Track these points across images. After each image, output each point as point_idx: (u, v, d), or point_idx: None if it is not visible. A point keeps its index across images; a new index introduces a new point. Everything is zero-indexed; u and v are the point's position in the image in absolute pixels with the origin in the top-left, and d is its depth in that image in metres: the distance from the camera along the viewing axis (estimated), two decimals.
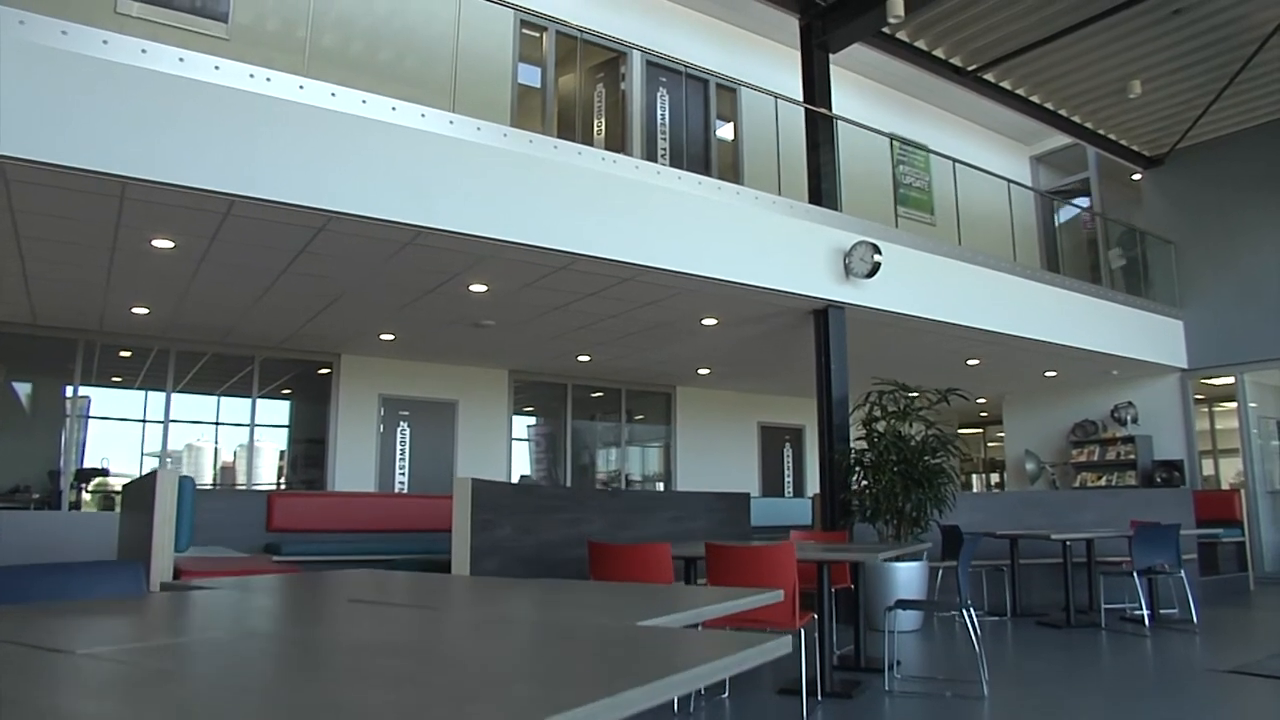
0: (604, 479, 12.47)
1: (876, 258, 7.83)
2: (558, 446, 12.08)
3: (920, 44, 9.50)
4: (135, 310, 8.14)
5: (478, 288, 7.35)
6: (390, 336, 9.29)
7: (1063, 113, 11.15)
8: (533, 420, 12.16)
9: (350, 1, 8.20)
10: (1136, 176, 12.79)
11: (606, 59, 9.92)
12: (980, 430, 17.98)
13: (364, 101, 5.65)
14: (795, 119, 8.70)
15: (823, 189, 8.21)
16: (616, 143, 9.87)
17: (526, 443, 12.06)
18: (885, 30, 8.72)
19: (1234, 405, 11.67)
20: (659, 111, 10.14)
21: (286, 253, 6.39)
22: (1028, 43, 9.38)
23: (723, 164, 10.81)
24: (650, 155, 9.96)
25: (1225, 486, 11.87)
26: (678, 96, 10.25)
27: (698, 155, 10.47)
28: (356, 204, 5.54)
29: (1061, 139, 12.80)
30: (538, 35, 9.46)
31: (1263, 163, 11.40)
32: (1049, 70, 10.07)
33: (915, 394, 7.74)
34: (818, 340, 8.10)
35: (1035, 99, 10.82)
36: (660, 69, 10.08)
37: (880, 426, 7.64)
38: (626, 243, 6.52)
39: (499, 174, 6.03)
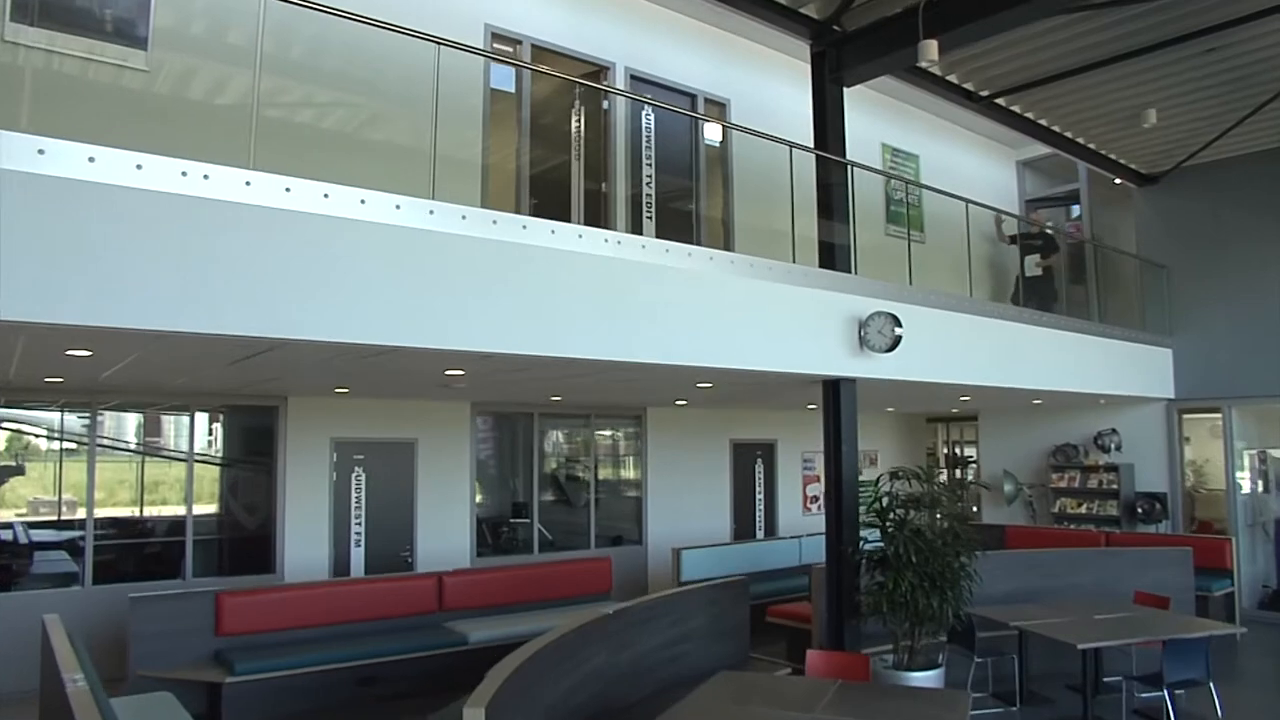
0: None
1: (897, 331, 7.11)
2: (518, 469, 11.26)
3: (935, 71, 8.66)
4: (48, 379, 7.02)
5: (453, 372, 6.43)
6: (345, 390, 8.30)
7: (1068, 135, 10.48)
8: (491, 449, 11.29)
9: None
10: (1117, 182, 12.24)
11: (586, 71, 8.85)
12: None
13: (326, 196, 4.62)
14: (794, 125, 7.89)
15: (835, 245, 7.39)
16: (596, 162, 8.88)
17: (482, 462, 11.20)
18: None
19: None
20: (644, 127, 9.14)
21: (227, 359, 5.38)
22: (1050, 74, 8.63)
23: (711, 178, 9.90)
24: (635, 177, 9.02)
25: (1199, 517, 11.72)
26: (665, 113, 9.26)
27: (683, 167, 9.54)
28: (315, 329, 4.57)
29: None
30: (510, 50, 8.33)
31: (1261, 190, 10.94)
32: (1065, 99, 9.35)
33: (932, 481, 7.13)
34: (826, 414, 7.41)
35: (1043, 122, 10.11)
36: (646, 84, 9.07)
37: (896, 515, 7.04)
38: (609, 339, 5.58)
39: (463, 271, 5.02)
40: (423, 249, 4.87)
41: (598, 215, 8.72)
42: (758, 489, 13.48)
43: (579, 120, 8.96)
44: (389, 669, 7.04)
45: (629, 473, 12.12)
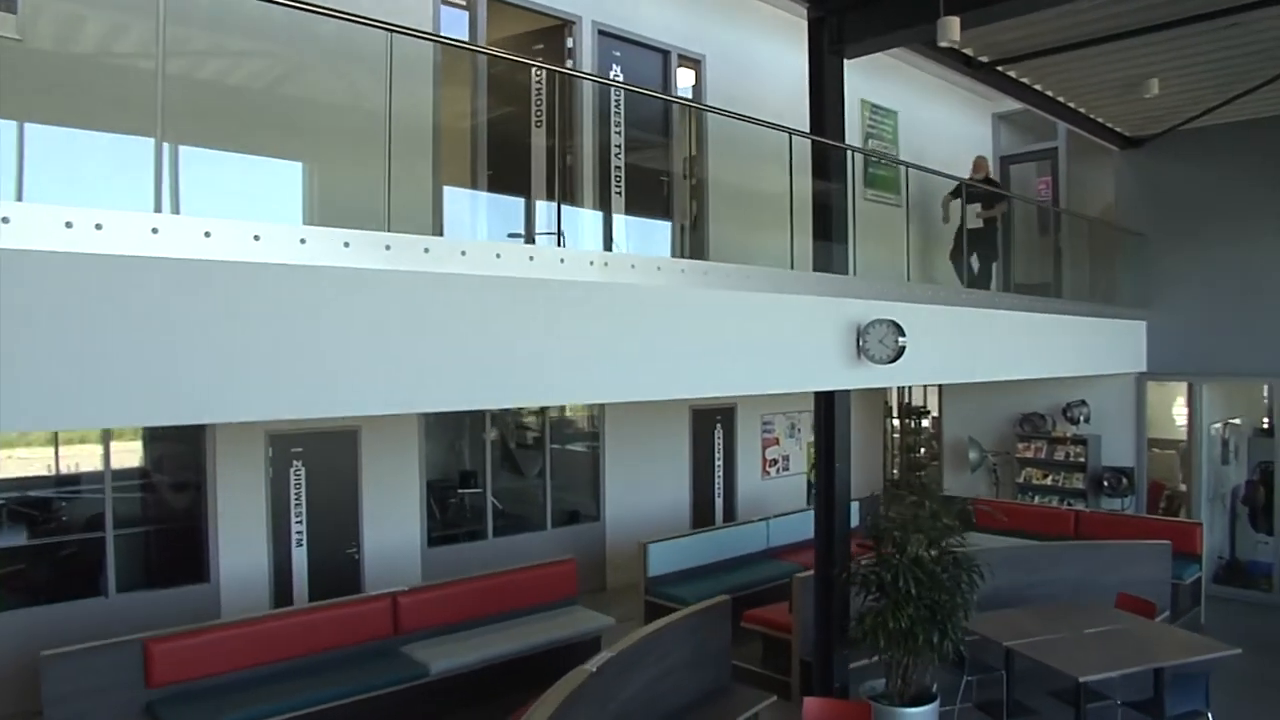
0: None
1: (901, 341, 6.48)
2: (465, 436, 10.51)
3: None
4: None
5: None
6: None
7: (1060, 99, 9.81)
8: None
9: None
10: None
11: (548, 26, 7.81)
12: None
13: (256, 238, 3.70)
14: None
15: (833, 243, 6.66)
16: (560, 125, 7.92)
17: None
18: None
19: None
20: (612, 89, 8.17)
21: None
22: (1059, 45, 7.90)
23: (684, 136, 9.01)
24: (604, 142, 8.10)
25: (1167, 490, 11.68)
26: (635, 67, 8.30)
27: (655, 127, 8.63)
28: (229, 409, 3.73)
29: None
30: (464, 5, 7.24)
31: (1249, 158, 10.51)
32: (1067, 67, 8.65)
33: (931, 507, 6.65)
34: (818, 427, 6.82)
35: (1038, 87, 9.41)
36: (615, 39, 8.07)
37: (893, 538, 6.55)
38: (568, 378, 4.75)
39: (387, 315, 4.12)
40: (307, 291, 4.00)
41: (561, 186, 7.81)
42: (717, 456, 13.01)
43: (540, 80, 7.95)
44: (345, 712, 6.39)
45: (585, 443, 11.48)
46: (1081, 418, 11.68)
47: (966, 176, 10.07)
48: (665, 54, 8.39)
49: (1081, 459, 11.56)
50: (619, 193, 8.30)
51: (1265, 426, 12.66)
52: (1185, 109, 9.90)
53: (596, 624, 8.02)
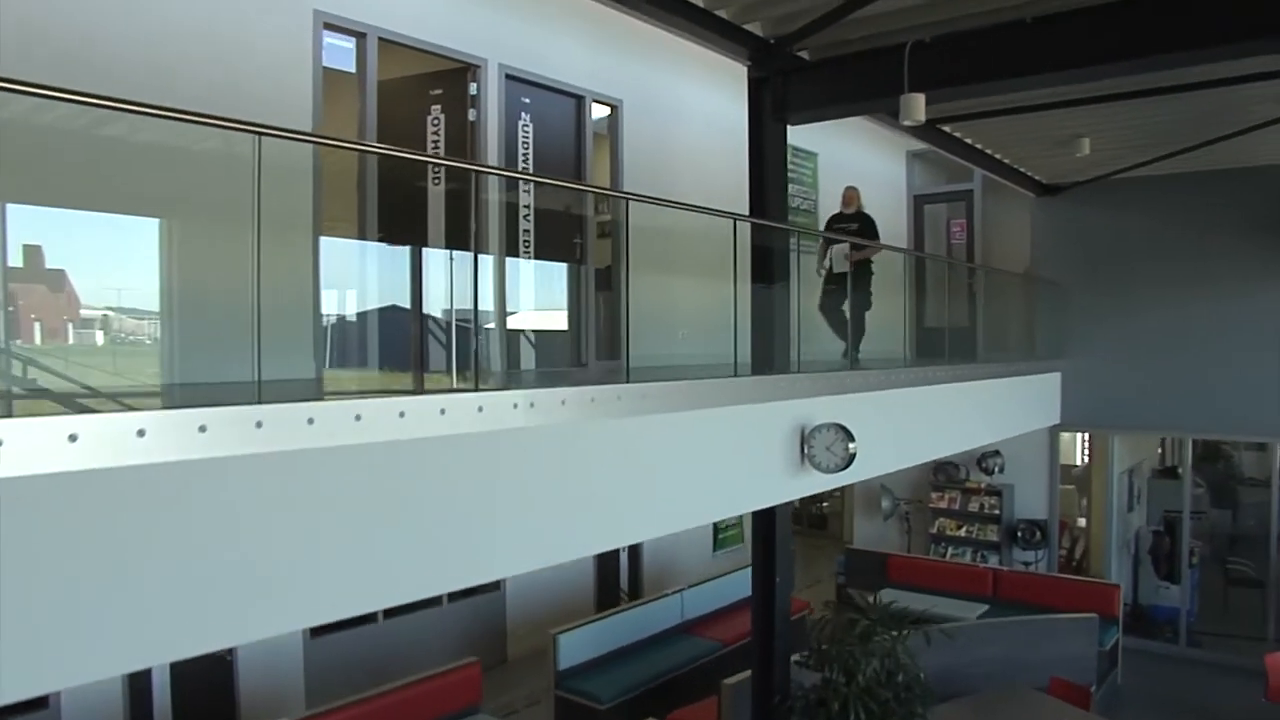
0: None
1: (850, 447, 5.84)
2: None
3: None
4: None
5: None
6: None
7: (988, 151, 9.44)
8: None
9: None
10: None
11: (449, 69, 6.81)
12: None
13: (73, 438, 2.68)
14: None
15: (774, 342, 5.95)
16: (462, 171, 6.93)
17: None
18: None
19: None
20: (521, 128, 7.24)
21: None
22: (1000, 109, 7.45)
23: (598, 167, 8.16)
24: (510, 188, 7.15)
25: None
26: (545, 109, 7.39)
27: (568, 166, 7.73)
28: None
29: None
30: (350, 44, 6.18)
31: (1167, 210, 10.46)
32: (1004, 127, 8.22)
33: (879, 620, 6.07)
34: (755, 542, 6.14)
35: (969, 141, 8.99)
36: (524, 84, 7.14)
37: (834, 657, 5.95)
38: (463, 559, 3.85)
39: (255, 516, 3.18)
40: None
41: (464, 234, 6.82)
42: None
43: (438, 127, 6.97)
44: None
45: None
46: (996, 468, 11.50)
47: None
48: (579, 98, 7.53)
49: (996, 510, 11.38)
50: (528, 248, 7.40)
51: (1163, 468, 12.87)
52: (1109, 164, 9.71)
53: None
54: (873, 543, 12.29)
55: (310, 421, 3.25)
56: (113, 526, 2.80)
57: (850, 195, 8.38)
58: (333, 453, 3.32)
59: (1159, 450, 12.81)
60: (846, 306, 7.76)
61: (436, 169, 6.82)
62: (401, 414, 3.55)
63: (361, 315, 7.04)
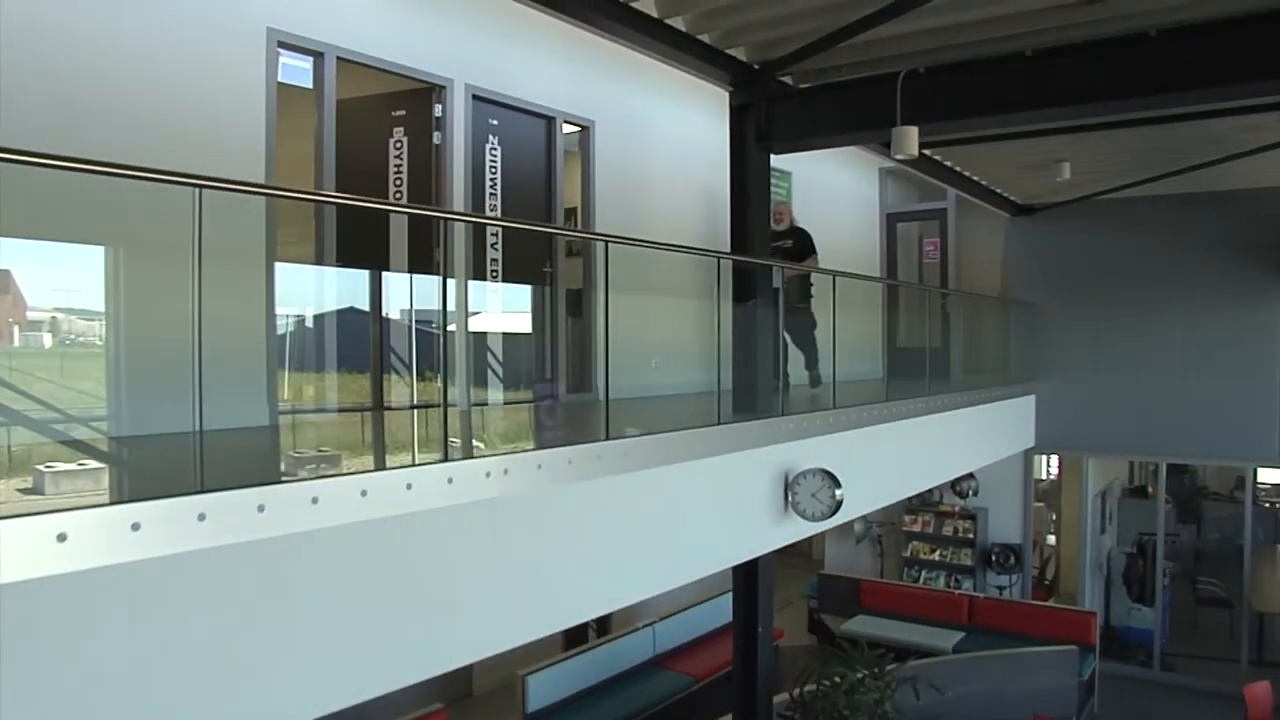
0: None
1: (837, 494, 5.58)
2: None
3: None
4: None
5: None
6: None
7: (966, 173, 9.26)
8: None
9: None
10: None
11: (413, 89, 6.43)
12: None
13: None
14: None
15: (755, 373, 5.66)
16: (424, 194, 6.56)
17: None
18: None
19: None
20: (489, 150, 6.88)
21: None
22: (983, 135, 7.25)
23: (569, 181, 7.81)
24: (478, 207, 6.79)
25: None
26: (514, 127, 7.03)
27: (538, 187, 7.36)
28: None
29: None
30: (307, 64, 5.78)
31: (1136, 234, 10.39)
32: (988, 153, 8.05)
33: (865, 674, 5.82)
34: (736, 594, 5.85)
35: (947, 163, 8.80)
36: (492, 105, 6.78)
37: (820, 712, 5.69)
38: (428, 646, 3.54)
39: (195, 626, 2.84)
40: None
41: (428, 257, 6.44)
42: None
43: (401, 151, 6.59)
44: None
45: None
46: (970, 491, 11.35)
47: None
48: (549, 119, 7.19)
49: (970, 534, 11.24)
50: (495, 274, 7.05)
51: (1133, 486, 12.85)
52: (1087, 186, 9.59)
53: None
54: (845, 565, 12.09)
55: (260, 509, 2.90)
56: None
57: (781, 211, 7.73)
58: (287, 541, 2.97)
59: (1127, 468, 12.79)
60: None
61: (399, 188, 6.44)
62: (363, 493, 3.21)
63: (319, 318, 6.67)
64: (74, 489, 3.19)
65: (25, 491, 3.18)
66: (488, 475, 3.66)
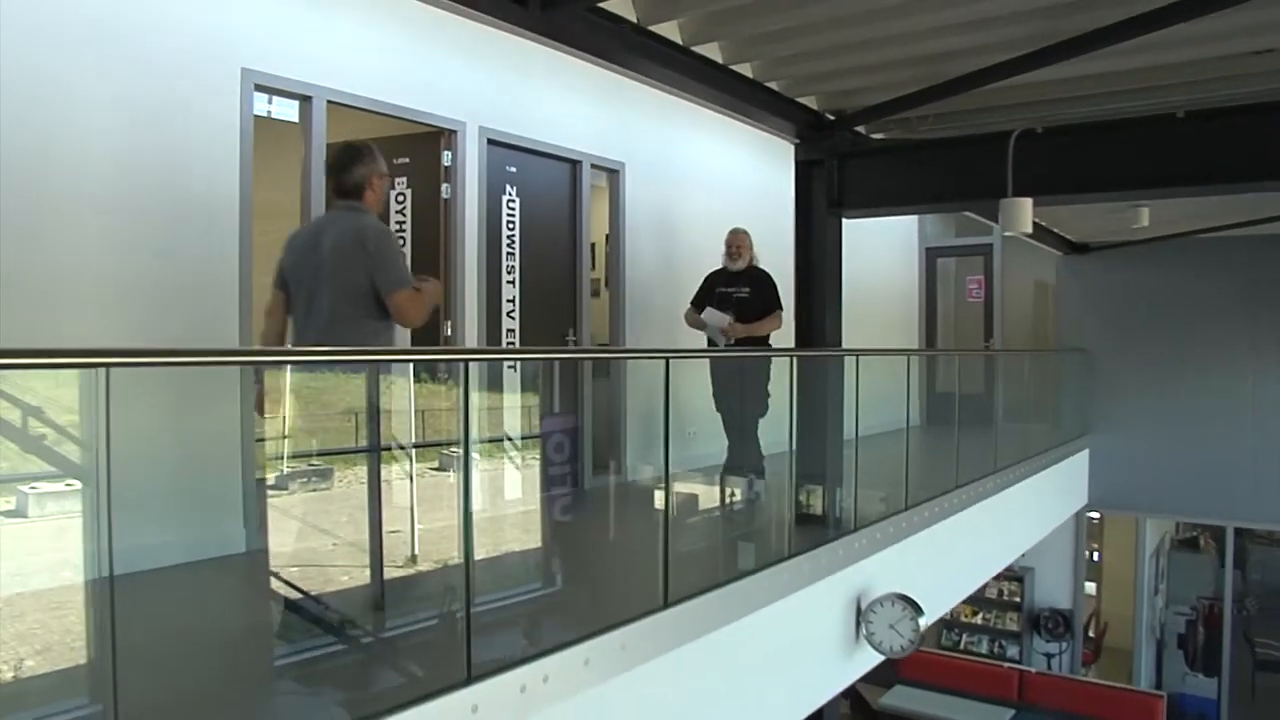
0: None
1: (922, 623, 4.71)
2: None
3: None
4: None
5: None
6: None
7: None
8: None
9: None
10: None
11: (419, 133, 5.54)
12: None
13: None
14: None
15: (828, 497, 4.78)
16: (431, 254, 5.68)
17: None
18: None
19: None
20: (506, 203, 5.99)
21: None
22: None
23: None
24: (491, 269, 5.91)
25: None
26: (534, 176, 6.14)
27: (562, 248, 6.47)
28: None
29: None
30: (293, 106, 4.90)
31: (1198, 274, 9.53)
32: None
33: None
34: None
35: None
36: (509, 150, 5.89)
37: None
38: None
39: None
40: None
41: (433, 323, 5.56)
42: None
43: (404, 205, 5.71)
44: None
45: None
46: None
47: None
48: (575, 164, 6.31)
49: (1016, 597, 10.38)
50: (512, 334, 6.17)
51: (1183, 538, 12.00)
52: (1155, 229, 8.71)
53: None
54: None
55: None
56: None
57: (739, 242, 5.45)
58: None
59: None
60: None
61: (400, 247, 5.55)
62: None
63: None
64: (60, 510, 3.00)
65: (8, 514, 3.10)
66: (522, 690, 2.79)
